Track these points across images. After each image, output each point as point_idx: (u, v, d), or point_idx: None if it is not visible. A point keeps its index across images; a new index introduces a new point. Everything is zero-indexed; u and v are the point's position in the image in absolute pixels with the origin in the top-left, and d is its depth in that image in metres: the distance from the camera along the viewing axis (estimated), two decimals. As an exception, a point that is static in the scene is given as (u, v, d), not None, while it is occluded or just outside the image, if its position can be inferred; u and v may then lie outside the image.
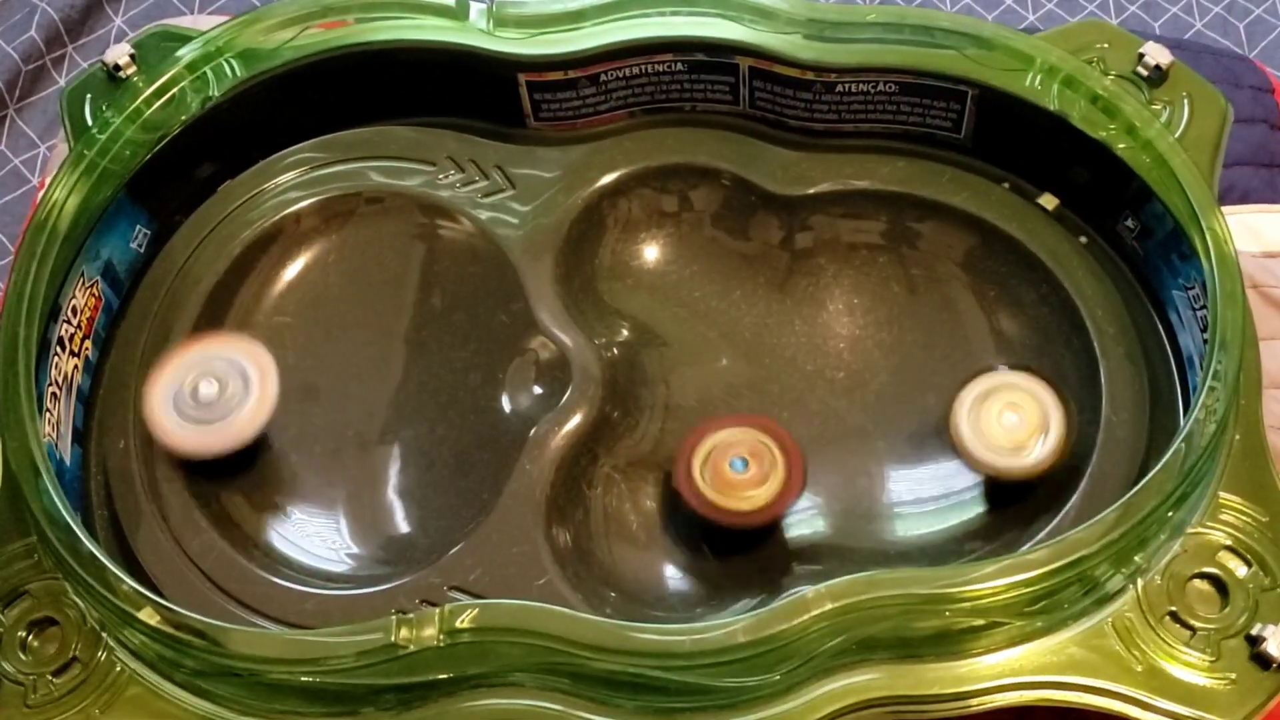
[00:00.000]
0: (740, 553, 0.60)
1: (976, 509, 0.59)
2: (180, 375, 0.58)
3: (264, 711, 0.50)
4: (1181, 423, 0.54)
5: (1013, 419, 0.57)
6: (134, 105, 0.62)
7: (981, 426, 0.58)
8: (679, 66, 0.65)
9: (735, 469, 0.57)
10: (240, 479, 0.60)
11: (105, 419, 0.60)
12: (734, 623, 0.48)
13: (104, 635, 0.51)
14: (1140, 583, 0.51)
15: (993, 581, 0.48)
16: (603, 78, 0.65)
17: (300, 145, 0.67)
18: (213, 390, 0.58)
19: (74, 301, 0.59)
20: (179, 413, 0.57)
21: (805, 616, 0.48)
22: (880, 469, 0.61)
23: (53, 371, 0.57)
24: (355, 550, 0.59)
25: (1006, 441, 0.57)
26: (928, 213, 0.64)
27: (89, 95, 0.63)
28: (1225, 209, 0.57)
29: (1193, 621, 0.50)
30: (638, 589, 0.58)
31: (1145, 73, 0.61)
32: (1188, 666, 0.49)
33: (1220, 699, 0.49)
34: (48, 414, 0.56)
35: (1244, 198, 0.75)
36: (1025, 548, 0.54)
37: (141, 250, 0.64)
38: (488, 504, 0.58)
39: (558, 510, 0.58)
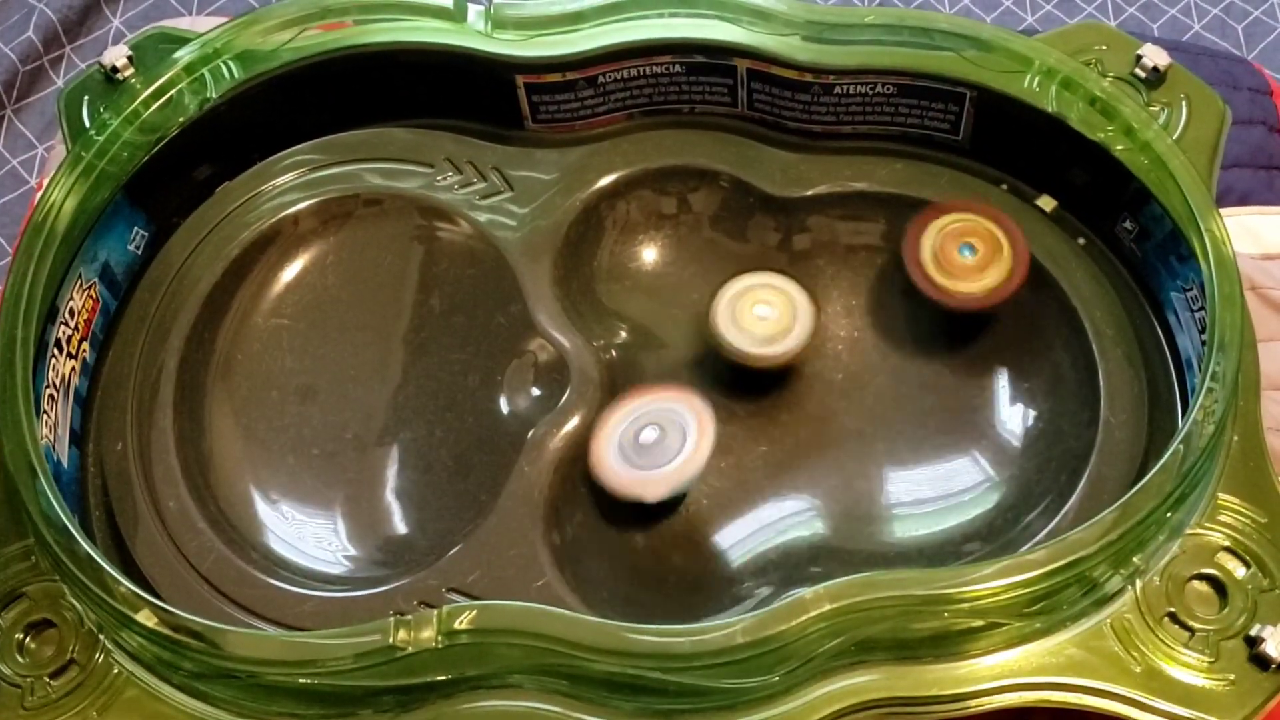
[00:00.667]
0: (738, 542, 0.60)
1: (975, 510, 0.59)
2: (627, 420, 0.59)
3: (262, 713, 0.50)
4: (1180, 424, 0.54)
5: (766, 312, 0.61)
6: (132, 107, 0.62)
7: (738, 319, 0.61)
8: (677, 68, 0.65)
9: (964, 255, 0.60)
10: (239, 481, 0.60)
11: (103, 421, 0.60)
12: (733, 624, 0.48)
13: (101, 637, 0.51)
14: (1139, 584, 0.51)
15: (991, 582, 0.48)
16: (601, 79, 0.65)
17: (298, 147, 0.67)
18: (654, 437, 0.59)
19: (71, 303, 0.59)
20: (621, 456, 0.58)
21: (804, 617, 0.48)
22: (879, 470, 0.61)
23: (50, 373, 0.57)
24: (353, 552, 0.59)
25: (761, 332, 0.61)
26: (926, 214, 0.64)
27: (86, 97, 0.63)
28: (1223, 211, 0.57)
29: (1191, 622, 0.50)
30: (636, 591, 0.58)
31: (1143, 75, 0.61)
32: (1186, 667, 0.49)
33: (1219, 700, 0.49)
34: (45, 416, 0.56)
35: (1242, 199, 0.75)
36: (1024, 549, 0.54)
37: (139, 252, 0.64)
38: (486, 506, 0.58)
39: (556, 512, 0.58)
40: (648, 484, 0.58)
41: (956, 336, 0.64)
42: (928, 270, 0.61)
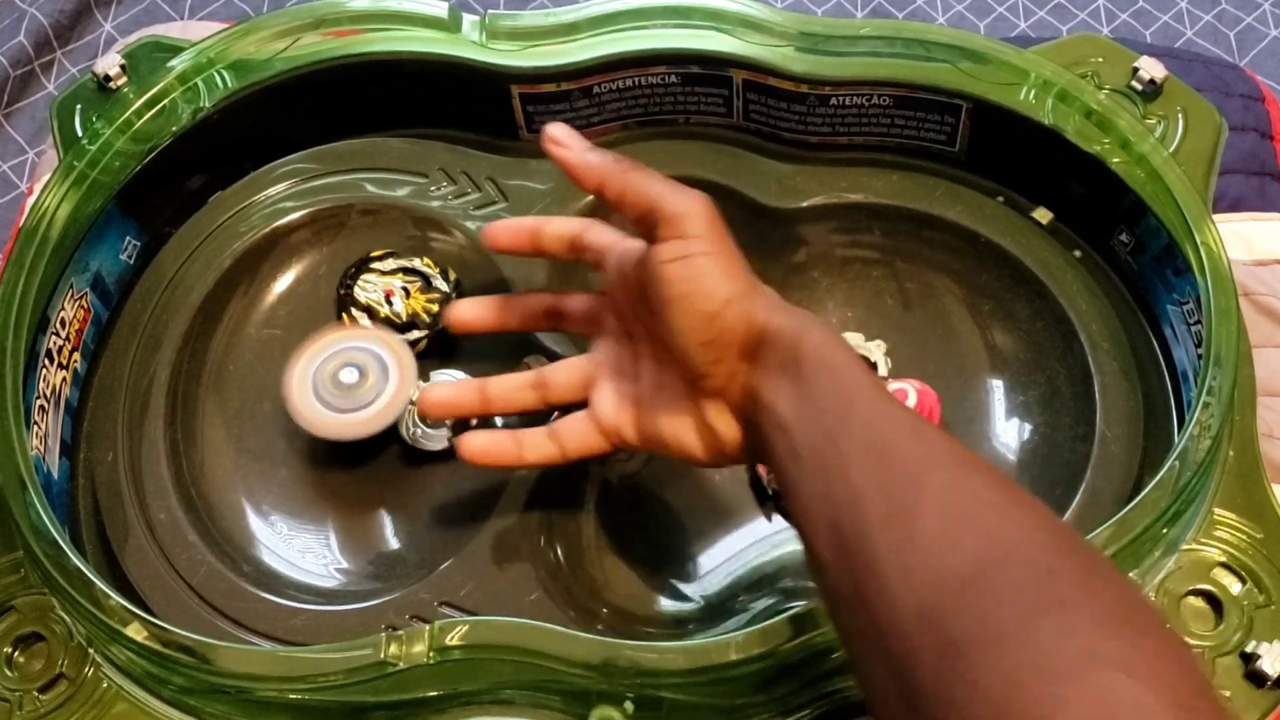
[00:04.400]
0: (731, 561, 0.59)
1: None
2: (318, 361, 0.59)
3: (253, 729, 0.49)
4: (1176, 438, 0.54)
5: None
6: (124, 116, 0.61)
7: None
8: (672, 79, 0.64)
9: None
10: (230, 493, 0.60)
11: (94, 432, 0.60)
12: (727, 640, 0.48)
13: (91, 651, 0.51)
14: (1134, 600, 0.50)
15: (987, 599, 0.48)
16: (596, 90, 0.65)
17: (291, 157, 0.67)
18: (354, 378, 0.59)
19: (63, 313, 0.59)
20: (319, 397, 0.59)
21: (799, 634, 0.47)
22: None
23: (41, 384, 0.57)
24: (345, 565, 0.59)
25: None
26: (922, 226, 0.64)
27: (79, 106, 0.63)
28: (1216, 217, 0.57)
29: (1187, 639, 0.50)
30: (630, 605, 0.58)
31: (1140, 87, 0.61)
32: (1182, 685, 0.49)
33: (1215, 717, 0.48)
34: (36, 427, 0.56)
35: (1235, 206, 0.75)
36: (1019, 564, 0.54)
37: (131, 262, 0.64)
38: (479, 519, 0.57)
39: (549, 526, 0.58)
40: (352, 425, 0.58)
41: (952, 349, 0.64)
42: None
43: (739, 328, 0.47)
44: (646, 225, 0.48)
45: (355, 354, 0.59)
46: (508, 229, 0.56)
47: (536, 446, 0.54)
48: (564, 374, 0.55)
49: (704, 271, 0.47)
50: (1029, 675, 0.34)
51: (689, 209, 0.48)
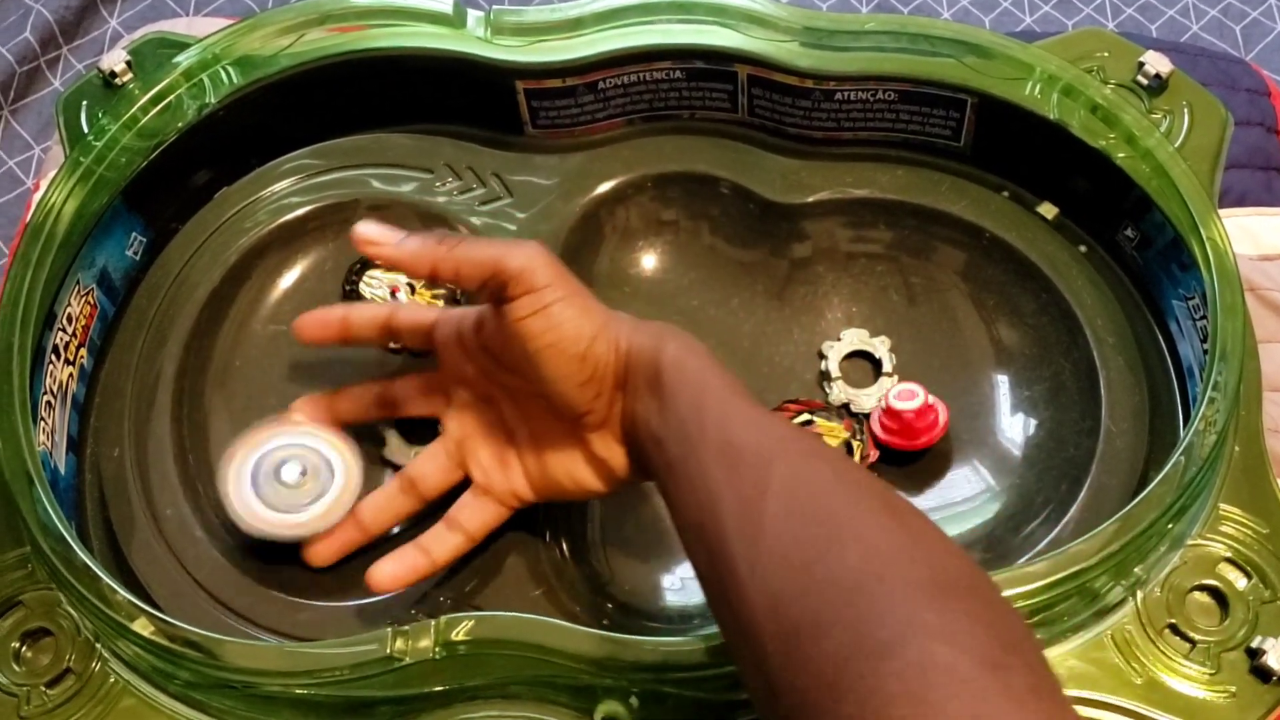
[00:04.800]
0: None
1: (976, 519, 0.59)
2: (260, 453, 0.56)
3: (259, 723, 0.49)
4: (1181, 433, 0.54)
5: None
6: (130, 112, 0.61)
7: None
8: (677, 74, 0.64)
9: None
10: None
11: (100, 427, 0.60)
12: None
13: (98, 646, 0.51)
14: (1140, 595, 0.50)
15: (992, 594, 0.48)
16: (601, 85, 0.65)
17: (297, 152, 0.67)
18: (296, 476, 0.55)
19: (69, 309, 0.59)
20: (257, 493, 0.55)
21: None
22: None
23: (48, 380, 0.57)
24: (351, 560, 0.59)
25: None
26: (927, 221, 0.64)
27: (85, 102, 0.63)
28: (1222, 212, 0.57)
29: (1192, 634, 0.50)
30: (635, 600, 0.58)
31: (1145, 81, 0.61)
32: (1187, 679, 0.49)
33: (1220, 712, 0.48)
34: (43, 423, 0.56)
35: (1240, 200, 0.75)
36: (1024, 559, 0.54)
37: (137, 258, 0.64)
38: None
39: (555, 520, 0.58)
40: (296, 526, 0.55)
41: (958, 344, 0.64)
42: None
43: (609, 359, 0.49)
44: (491, 288, 0.49)
45: (300, 451, 0.56)
46: (315, 321, 0.57)
47: (442, 543, 0.54)
48: (429, 465, 0.56)
49: (563, 317, 0.48)
50: (851, 654, 0.35)
51: (530, 261, 0.48)
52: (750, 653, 0.39)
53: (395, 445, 0.60)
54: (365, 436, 0.59)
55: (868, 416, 0.61)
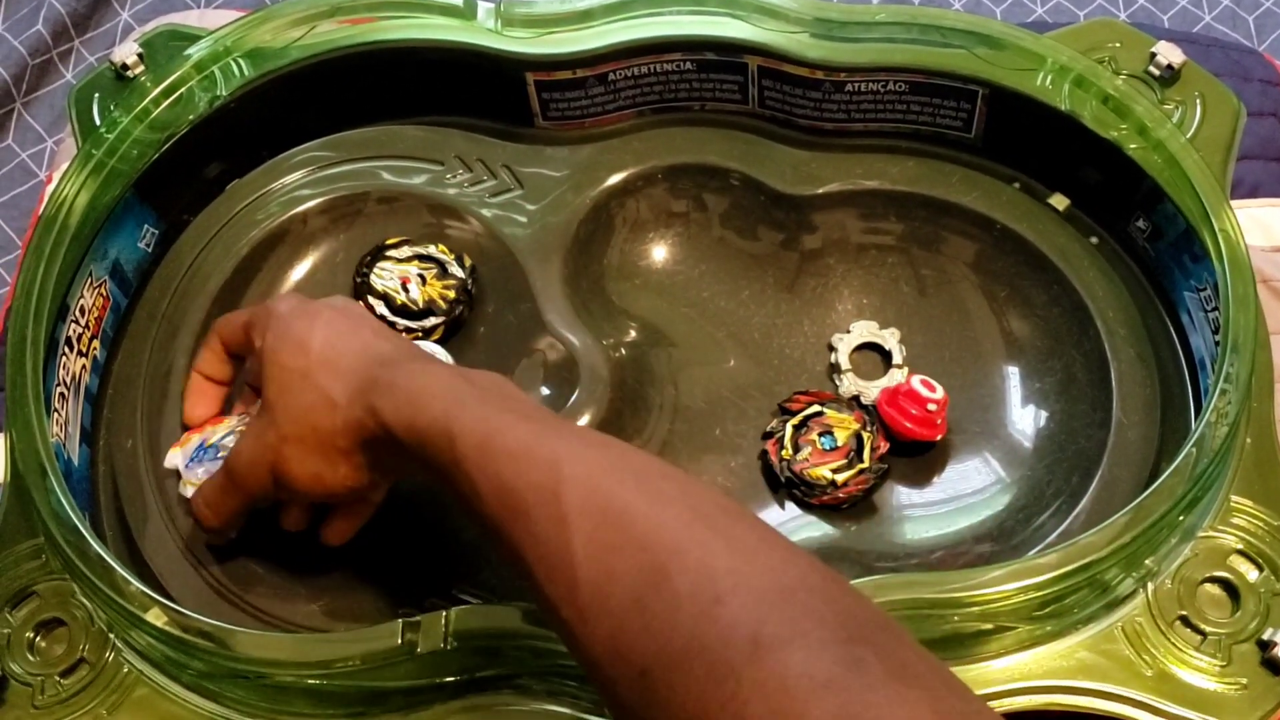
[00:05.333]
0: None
1: (986, 511, 0.59)
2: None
3: (271, 713, 0.50)
4: (1193, 425, 0.54)
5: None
6: (142, 105, 0.62)
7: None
8: (688, 66, 0.64)
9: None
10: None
11: (113, 419, 0.60)
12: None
13: (111, 636, 0.51)
14: (1150, 587, 0.50)
15: (1002, 586, 0.48)
16: (611, 77, 0.65)
17: (308, 144, 0.67)
18: None
19: (82, 301, 0.59)
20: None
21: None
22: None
23: (61, 371, 0.57)
24: (363, 550, 0.59)
25: None
26: (938, 212, 0.64)
27: (97, 94, 0.63)
28: (1234, 203, 0.57)
29: (1203, 626, 0.50)
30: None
31: (1157, 72, 0.61)
32: (1198, 671, 0.49)
33: (1231, 704, 0.48)
34: (56, 414, 0.56)
35: (1252, 192, 0.75)
36: (1035, 551, 0.54)
37: (149, 250, 0.64)
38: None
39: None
40: None
41: (969, 336, 0.63)
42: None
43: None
44: None
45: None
46: (196, 403, 0.58)
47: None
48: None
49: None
50: (708, 683, 0.34)
51: None
52: (606, 696, 0.38)
53: None
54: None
55: (875, 406, 0.61)
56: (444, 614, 0.49)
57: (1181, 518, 0.50)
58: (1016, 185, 0.64)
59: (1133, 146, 0.58)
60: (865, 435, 0.60)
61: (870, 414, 0.61)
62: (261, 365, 0.51)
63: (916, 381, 0.59)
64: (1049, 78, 0.60)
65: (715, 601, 0.35)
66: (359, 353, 0.49)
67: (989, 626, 0.49)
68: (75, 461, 0.57)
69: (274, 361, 0.50)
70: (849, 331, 0.64)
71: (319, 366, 0.49)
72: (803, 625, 0.34)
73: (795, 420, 0.60)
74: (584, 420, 0.59)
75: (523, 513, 0.40)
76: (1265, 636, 0.49)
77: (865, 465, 0.59)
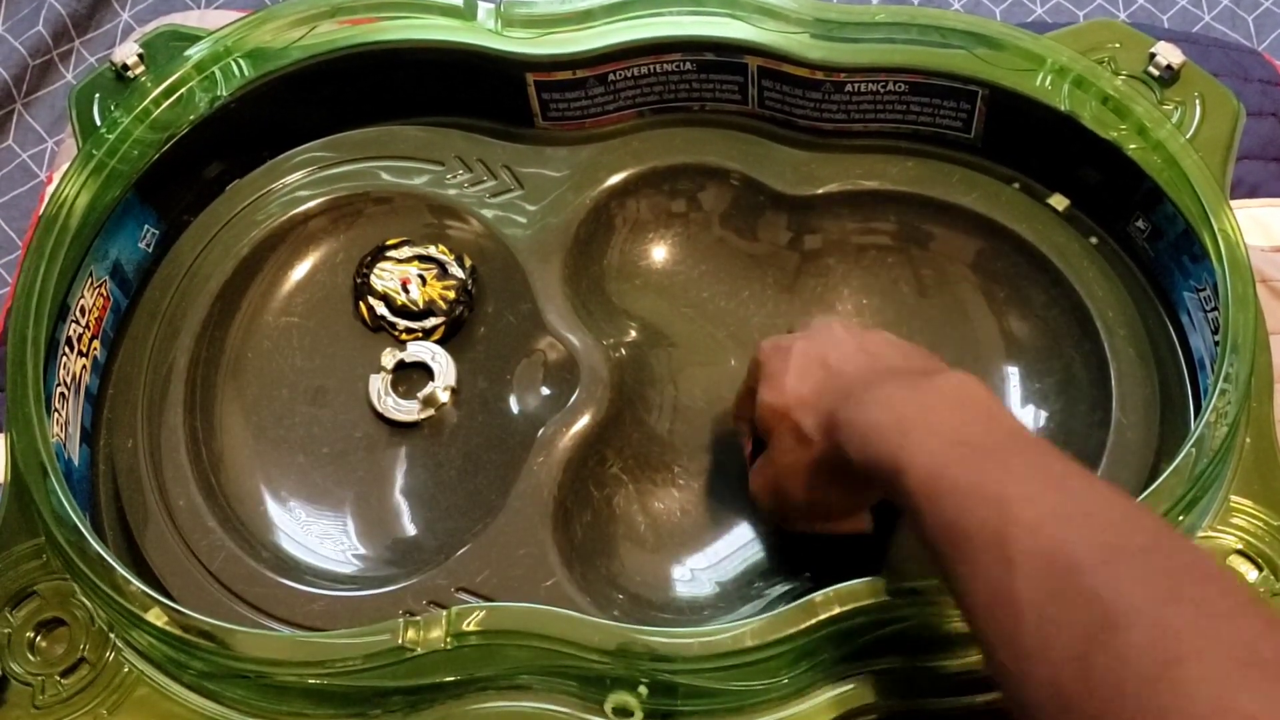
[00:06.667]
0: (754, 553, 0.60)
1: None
2: None
3: (272, 713, 0.50)
4: (1192, 425, 0.53)
5: None
6: (142, 105, 0.62)
7: None
8: (687, 66, 0.64)
9: None
10: (249, 479, 0.60)
11: (113, 419, 0.60)
12: (742, 626, 0.48)
13: (112, 636, 0.51)
14: (1150, 587, 0.50)
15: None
16: (611, 77, 0.65)
17: (308, 145, 0.67)
18: None
19: (82, 301, 0.59)
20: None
21: (813, 620, 0.48)
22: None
23: (61, 372, 0.57)
24: (363, 551, 0.59)
25: None
26: (937, 213, 0.64)
27: (97, 95, 0.63)
28: (1233, 203, 0.57)
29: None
30: (645, 591, 0.58)
31: (1157, 73, 0.61)
32: (1197, 671, 0.49)
33: (1230, 704, 0.48)
34: (56, 414, 0.56)
35: (1252, 192, 0.75)
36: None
37: (150, 250, 0.64)
38: (495, 505, 0.58)
39: (566, 512, 0.58)
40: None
41: (969, 337, 0.64)
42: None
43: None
44: None
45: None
46: None
47: None
48: None
49: None
50: None
51: None
52: None
53: (375, 392, 0.63)
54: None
55: None
56: (444, 614, 0.49)
57: (1181, 518, 0.50)
58: (1016, 185, 0.64)
59: (1132, 147, 0.59)
60: None
61: None
62: (755, 404, 0.54)
63: None
64: (1049, 78, 0.60)
65: (1175, 663, 0.33)
66: (823, 387, 0.51)
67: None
68: (75, 461, 0.57)
69: (760, 401, 0.53)
70: None
71: (795, 405, 0.51)
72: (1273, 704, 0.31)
73: None
74: (584, 420, 0.59)
75: (968, 551, 0.39)
76: (1264, 636, 0.49)
77: None
